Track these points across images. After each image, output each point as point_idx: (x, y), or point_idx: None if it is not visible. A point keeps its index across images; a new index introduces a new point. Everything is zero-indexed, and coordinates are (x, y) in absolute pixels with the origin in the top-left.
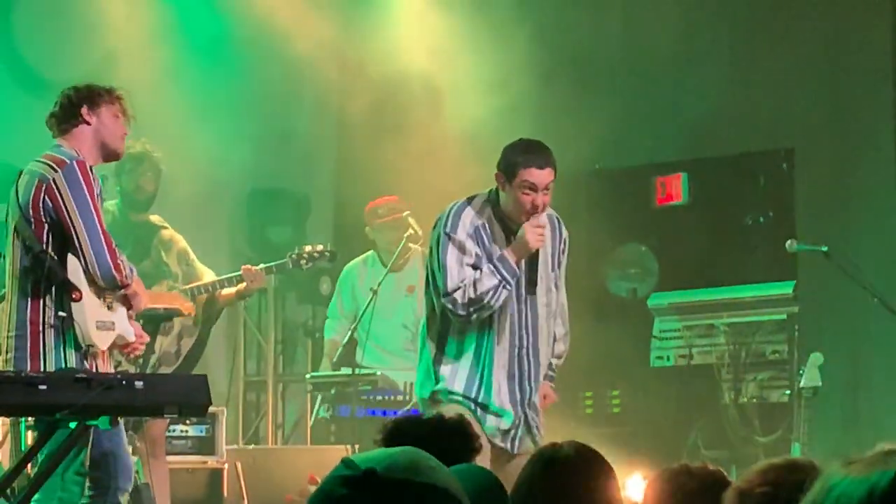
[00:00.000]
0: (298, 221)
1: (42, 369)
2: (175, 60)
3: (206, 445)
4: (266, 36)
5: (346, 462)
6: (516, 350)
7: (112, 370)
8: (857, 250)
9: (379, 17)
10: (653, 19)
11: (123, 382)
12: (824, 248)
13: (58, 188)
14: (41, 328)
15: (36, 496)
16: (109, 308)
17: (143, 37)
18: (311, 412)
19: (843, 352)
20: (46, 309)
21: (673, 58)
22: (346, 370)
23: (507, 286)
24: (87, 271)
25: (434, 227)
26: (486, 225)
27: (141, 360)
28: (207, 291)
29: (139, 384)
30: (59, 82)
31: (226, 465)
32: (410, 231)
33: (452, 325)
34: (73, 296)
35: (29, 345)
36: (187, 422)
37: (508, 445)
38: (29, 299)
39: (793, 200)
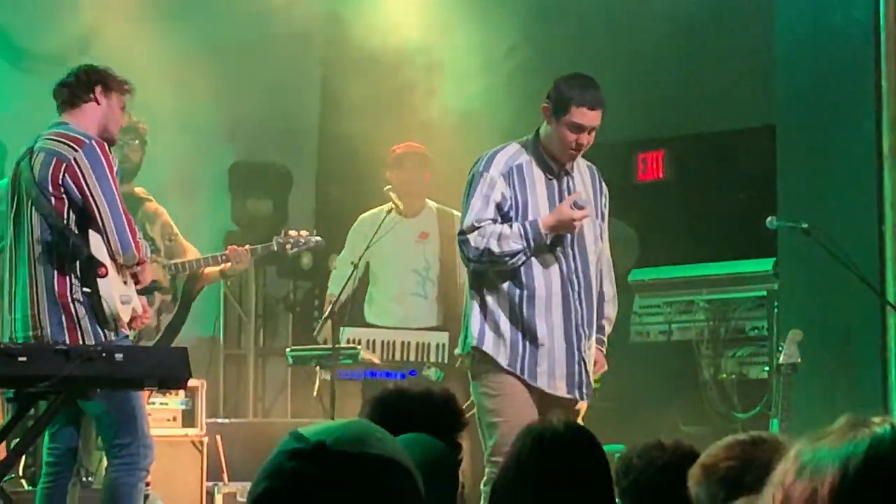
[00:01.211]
0: (280, 196)
1: (81, 342)
2: (157, 33)
3: (186, 418)
4: (249, 10)
5: (294, 435)
6: (569, 292)
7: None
8: (837, 227)
9: None
10: None
11: (104, 354)
12: (804, 225)
13: (80, 167)
14: (70, 301)
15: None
16: (125, 283)
17: (126, 8)
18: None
19: (823, 328)
20: (73, 285)
21: (655, 34)
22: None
23: (528, 252)
24: (109, 248)
25: (469, 172)
26: (525, 165)
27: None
28: (191, 269)
29: (119, 356)
30: (40, 53)
31: (206, 438)
32: (392, 204)
33: (493, 278)
34: (100, 272)
35: (64, 319)
36: (167, 394)
37: (575, 394)
38: (56, 273)
39: (773, 177)
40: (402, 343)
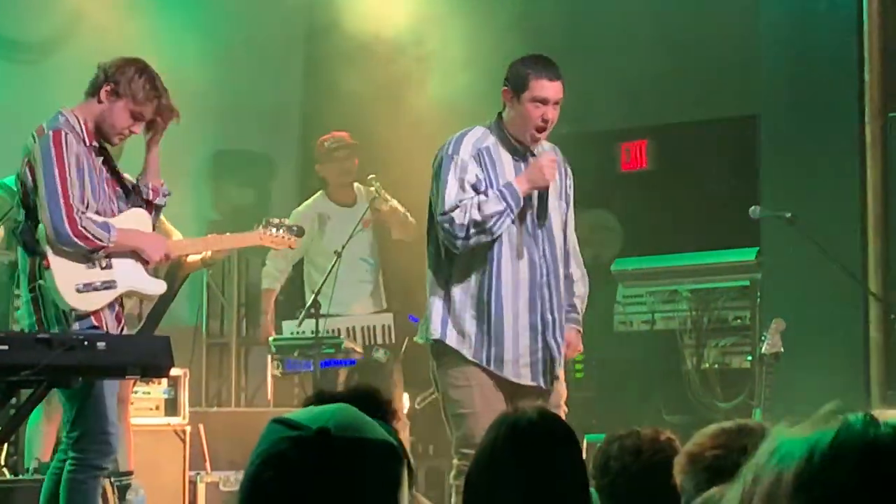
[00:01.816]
0: (262, 184)
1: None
2: (141, 21)
3: (169, 407)
4: None
5: (287, 422)
6: (536, 278)
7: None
8: (820, 217)
9: None
10: None
11: (85, 343)
12: (787, 215)
13: (34, 158)
14: (31, 297)
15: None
16: (107, 267)
17: None
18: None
19: (806, 318)
20: (34, 276)
21: (640, 23)
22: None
23: (511, 214)
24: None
25: (435, 158)
26: (492, 148)
27: None
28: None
29: (101, 345)
30: (23, 41)
31: (188, 427)
32: (375, 195)
33: (457, 265)
34: (44, 263)
35: (33, 311)
36: (150, 383)
37: (539, 381)
38: (28, 265)
39: (756, 167)
40: (348, 329)
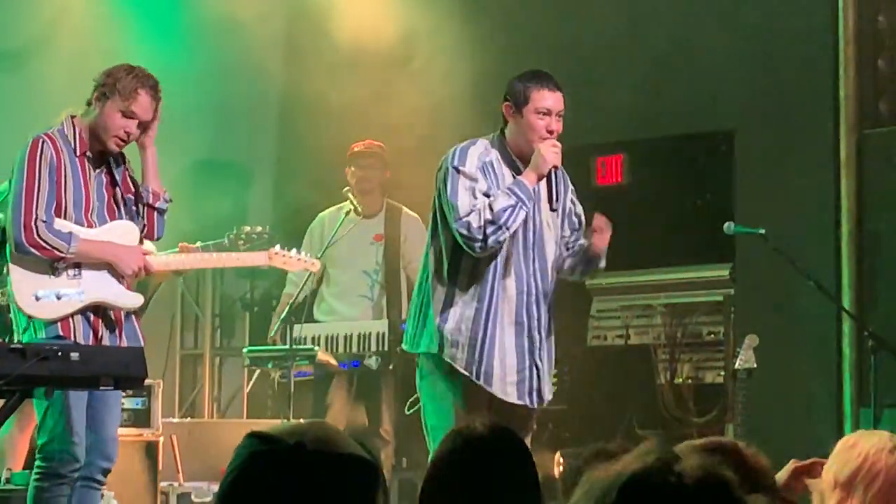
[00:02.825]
0: (239, 194)
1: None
2: (119, 29)
3: (141, 418)
4: (210, 4)
5: (262, 437)
6: (524, 297)
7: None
8: (794, 233)
9: None
10: (598, 1)
11: (59, 353)
12: (761, 231)
13: (14, 164)
14: (3, 302)
15: None
16: (76, 277)
17: (88, 5)
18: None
19: (779, 334)
20: (2, 284)
21: (614, 39)
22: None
23: (524, 206)
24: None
25: (439, 169)
26: (494, 163)
27: None
28: None
29: (75, 355)
30: (2, 50)
31: (161, 438)
32: (350, 207)
33: (453, 278)
34: (4, 270)
35: (3, 315)
36: (123, 394)
37: (526, 400)
38: (2, 273)
39: (731, 183)
40: (345, 336)
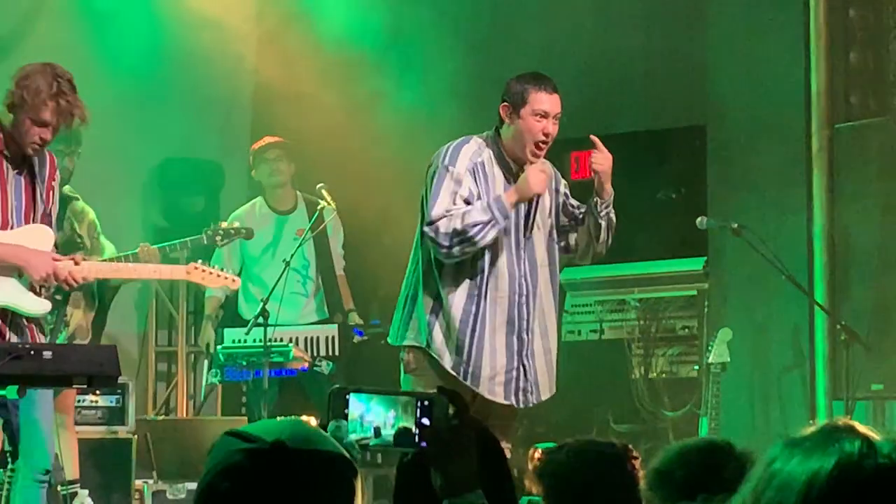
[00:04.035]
0: (212, 192)
1: None
2: (93, 24)
3: (115, 416)
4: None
5: (241, 435)
6: (515, 297)
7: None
8: (766, 227)
9: None
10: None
11: (32, 352)
12: (734, 225)
13: None
14: None
15: None
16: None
17: (59, 7)
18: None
19: (752, 328)
20: None
21: (588, 32)
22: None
23: (496, 225)
24: None
25: (429, 165)
26: (486, 164)
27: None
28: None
29: (47, 354)
30: None
31: (135, 436)
32: (323, 203)
33: (444, 275)
34: None
35: None
36: (97, 392)
37: (512, 400)
38: None
39: (704, 177)
40: (291, 340)
